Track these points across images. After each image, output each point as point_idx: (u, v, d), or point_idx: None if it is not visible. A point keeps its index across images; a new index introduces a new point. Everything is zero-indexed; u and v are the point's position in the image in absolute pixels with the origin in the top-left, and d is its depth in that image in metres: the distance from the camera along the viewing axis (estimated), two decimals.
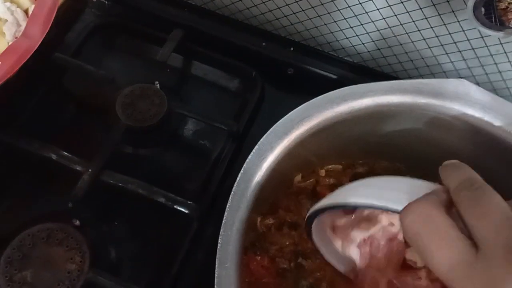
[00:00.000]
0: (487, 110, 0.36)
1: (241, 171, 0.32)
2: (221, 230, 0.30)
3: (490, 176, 0.25)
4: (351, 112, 0.36)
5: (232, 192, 0.31)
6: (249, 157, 0.32)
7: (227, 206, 0.31)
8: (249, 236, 0.40)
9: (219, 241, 0.29)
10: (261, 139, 0.33)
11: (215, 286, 0.28)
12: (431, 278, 0.28)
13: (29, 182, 0.47)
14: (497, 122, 0.35)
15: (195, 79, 0.55)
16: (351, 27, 0.51)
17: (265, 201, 0.41)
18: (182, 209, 0.44)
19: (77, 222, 0.44)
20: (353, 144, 0.41)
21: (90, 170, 0.44)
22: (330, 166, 0.44)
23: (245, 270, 0.38)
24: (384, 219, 0.29)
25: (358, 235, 0.30)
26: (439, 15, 0.45)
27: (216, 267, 0.28)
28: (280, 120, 0.34)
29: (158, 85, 0.52)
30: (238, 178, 0.32)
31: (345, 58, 0.56)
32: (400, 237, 0.29)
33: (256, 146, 0.33)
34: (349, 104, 0.36)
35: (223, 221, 0.30)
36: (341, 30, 0.52)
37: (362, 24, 0.51)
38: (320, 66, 0.54)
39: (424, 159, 0.42)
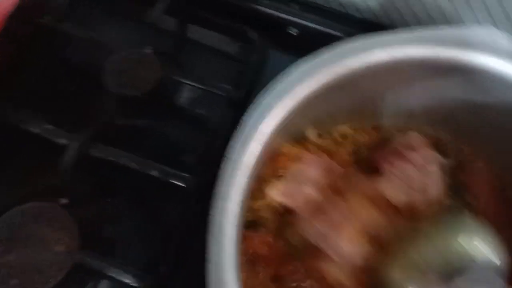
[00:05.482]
0: None
1: (236, 132, 0.27)
2: (213, 201, 0.26)
3: None
4: (362, 68, 0.31)
5: (225, 157, 0.27)
6: (245, 116, 0.28)
7: (219, 173, 0.27)
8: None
9: (210, 212, 0.26)
10: (259, 98, 0.29)
11: (206, 261, 0.24)
12: None
13: (11, 157, 0.43)
14: None
15: (191, 44, 0.50)
16: None
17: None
18: (178, 183, 0.41)
19: (65, 201, 0.41)
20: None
21: (77, 144, 0.41)
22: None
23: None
24: None
25: None
26: None
27: (207, 240, 0.25)
28: (281, 76, 0.30)
29: (151, 50, 0.47)
30: (232, 141, 0.27)
31: (353, 14, 0.51)
32: None
33: (254, 105, 0.28)
34: (361, 58, 0.31)
35: (214, 192, 0.26)
36: None
37: None
38: (328, 24, 0.49)
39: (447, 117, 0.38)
